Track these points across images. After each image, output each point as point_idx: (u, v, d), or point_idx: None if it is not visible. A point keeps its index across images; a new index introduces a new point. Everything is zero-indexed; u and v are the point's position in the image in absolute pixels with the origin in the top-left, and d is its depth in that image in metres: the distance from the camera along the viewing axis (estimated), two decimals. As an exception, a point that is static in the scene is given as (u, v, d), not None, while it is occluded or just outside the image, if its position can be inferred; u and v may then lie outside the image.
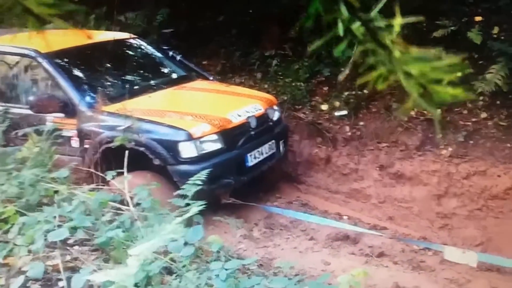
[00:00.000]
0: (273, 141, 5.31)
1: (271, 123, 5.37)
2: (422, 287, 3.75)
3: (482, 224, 4.81)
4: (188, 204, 2.81)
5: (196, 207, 2.59)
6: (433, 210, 5.09)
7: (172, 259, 2.37)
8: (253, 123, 5.05)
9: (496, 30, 5.80)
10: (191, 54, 6.97)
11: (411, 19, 0.82)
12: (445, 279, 3.90)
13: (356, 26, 0.82)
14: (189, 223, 2.60)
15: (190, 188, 3.05)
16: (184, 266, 2.40)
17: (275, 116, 5.48)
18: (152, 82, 5.70)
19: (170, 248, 2.39)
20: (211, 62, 7.89)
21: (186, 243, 2.45)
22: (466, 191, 5.19)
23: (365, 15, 0.82)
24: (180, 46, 6.87)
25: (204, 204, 2.66)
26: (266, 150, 5.19)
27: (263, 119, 5.23)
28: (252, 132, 5.04)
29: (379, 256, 4.22)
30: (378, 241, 4.42)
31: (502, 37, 5.72)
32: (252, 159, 5.01)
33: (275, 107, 5.57)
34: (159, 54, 6.23)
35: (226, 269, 2.37)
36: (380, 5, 0.83)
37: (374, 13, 0.82)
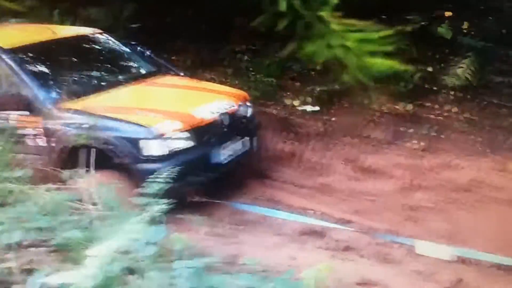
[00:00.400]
0: (246, 137, 5.25)
1: (243, 120, 5.30)
2: (389, 279, 3.75)
3: (448, 216, 4.84)
4: (151, 203, 2.74)
5: (158, 205, 2.54)
6: (400, 202, 5.09)
7: (133, 259, 2.31)
8: (226, 120, 4.98)
9: (466, 25, 5.86)
10: (160, 49, 6.86)
11: None
12: (411, 271, 3.91)
13: (297, 1, 0.80)
14: (153, 222, 2.53)
15: (153, 186, 2.98)
16: (146, 265, 2.34)
17: (248, 112, 5.41)
18: (119, 77, 5.56)
19: (131, 247, 2.32)
20: (180, 57, 7.78)
21: (148, 242, 2.39)
22: (437, 185, 5.23)
23: None
24: (149, 41, 6.76)
25: (170, 203, 2.61)
26: (239, 147, 5.13)
27: (235, 115, 5.16)
28: (225, 129, 4.97)
29: (345, 250, 4.20)
30: (344, 235, 4.40)
31: (472, 32, 5.79)
32: (225, 156, 4.94)
33: (248, 104, 5.49)
34: (126, 49, 6.08)
35: (190, 268, 2.32)
36: None
37: None
